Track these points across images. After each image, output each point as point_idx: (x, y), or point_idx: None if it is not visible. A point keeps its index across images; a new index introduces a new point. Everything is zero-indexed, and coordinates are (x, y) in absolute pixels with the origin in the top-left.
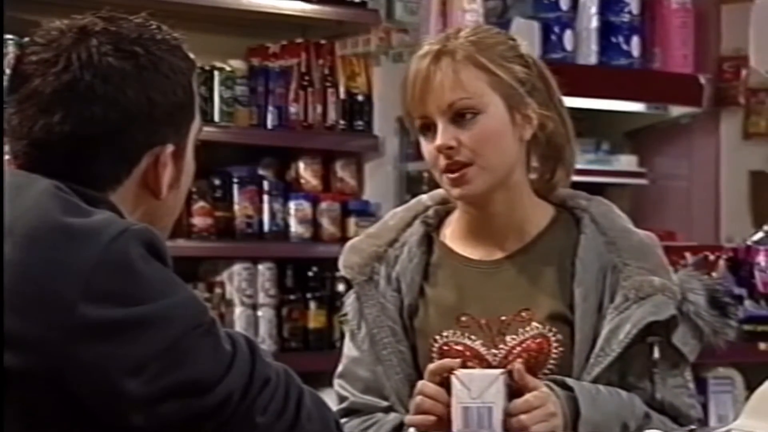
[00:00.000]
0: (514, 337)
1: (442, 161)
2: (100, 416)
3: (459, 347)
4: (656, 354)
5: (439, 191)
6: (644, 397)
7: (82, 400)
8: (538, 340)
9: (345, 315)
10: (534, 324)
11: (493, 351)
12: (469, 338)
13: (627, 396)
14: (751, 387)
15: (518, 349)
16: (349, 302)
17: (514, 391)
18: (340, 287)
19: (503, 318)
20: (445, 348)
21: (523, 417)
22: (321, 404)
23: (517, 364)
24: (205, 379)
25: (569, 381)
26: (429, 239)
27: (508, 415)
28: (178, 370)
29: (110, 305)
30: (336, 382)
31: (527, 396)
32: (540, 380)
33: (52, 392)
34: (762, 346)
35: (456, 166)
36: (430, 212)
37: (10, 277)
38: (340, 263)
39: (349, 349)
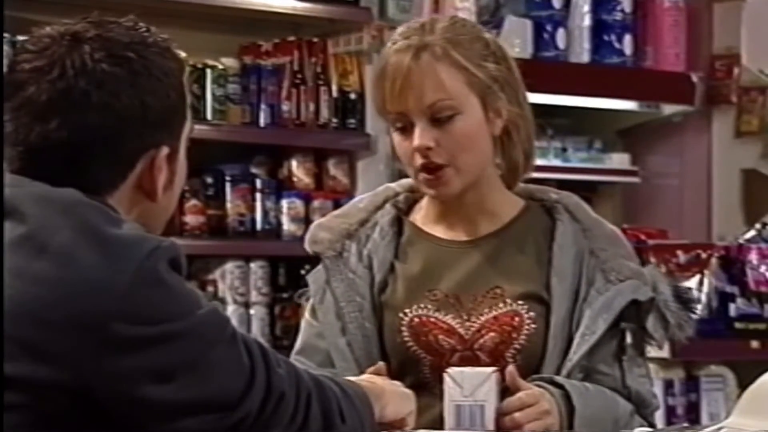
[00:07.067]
0: (486, 311)
1: (419, 160)
2: (124, 426)
3: (432, 320)
4: (628, 339)
5: (408, 180)
6: (615, 385)
7: (108, 410)
8: (510, 315)
9: (305, 292)
10: (507, 300)
11: (467, 324)
12: (440, 312)
13: (611, 393)
14: (742, 385)
15: (491, 322)
16: (314, 277)
17: (506, 389)
18: None
19: (475, 294)
20: (416, 321)
21: (517, 415)
22: (326, 399)
23: (510, 367)
24: (228, 397)
25: (558, 379)
26: (399, 222)
27: (500, 413)
28: (204, 384)
29: (144, 323)
30: (294, 358)
31: (520, 394)
32: (528, 382)
33: (75, 403)
34: (754, 344)
35: (432, 166)
36: (401, 197)
37: (47, 293)
38: (307, 239)
39: (308, 326)
